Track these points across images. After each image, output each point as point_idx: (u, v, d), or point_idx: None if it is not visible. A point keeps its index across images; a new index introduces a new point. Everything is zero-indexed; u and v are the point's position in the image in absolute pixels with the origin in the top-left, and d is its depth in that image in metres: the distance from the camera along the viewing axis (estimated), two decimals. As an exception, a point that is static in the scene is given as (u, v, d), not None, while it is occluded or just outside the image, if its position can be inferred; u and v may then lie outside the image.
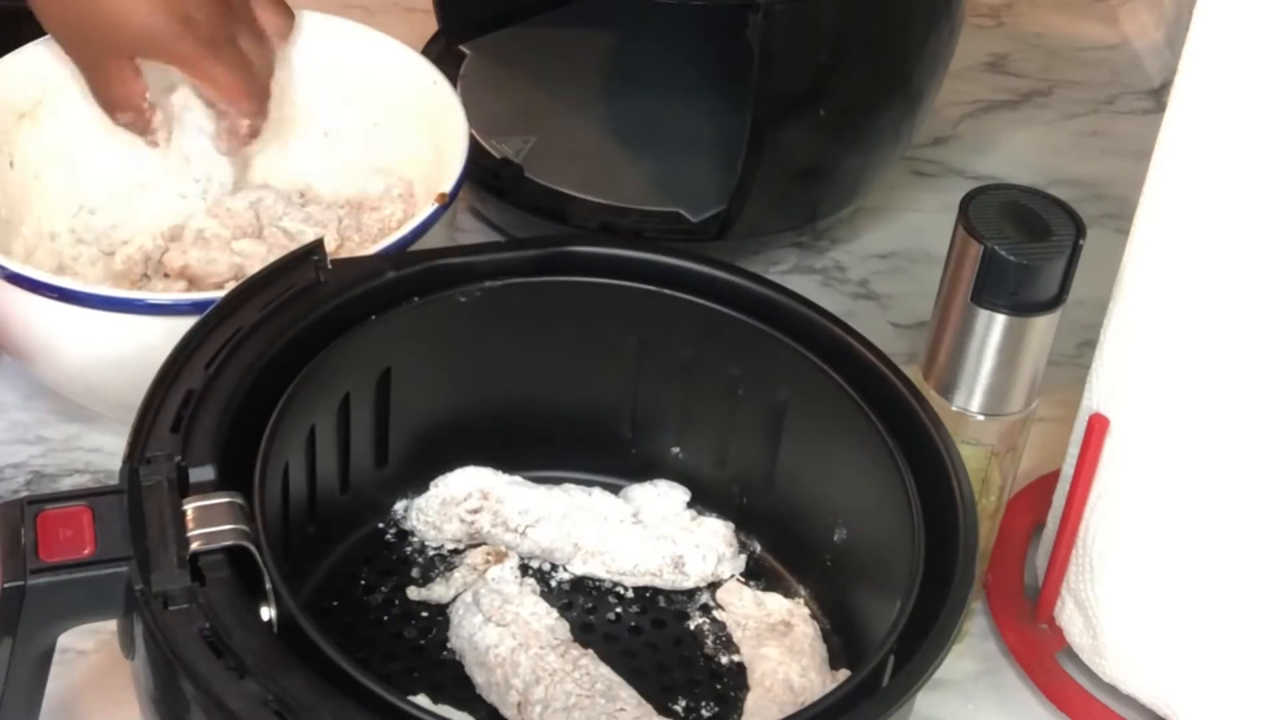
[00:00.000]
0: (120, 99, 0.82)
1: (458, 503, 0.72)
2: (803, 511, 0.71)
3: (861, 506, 0.68)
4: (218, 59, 0.80)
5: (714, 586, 0.72)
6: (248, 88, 0.81)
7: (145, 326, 0.71)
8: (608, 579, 0.72)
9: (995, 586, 0.77)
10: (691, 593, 0.72)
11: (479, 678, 0.67)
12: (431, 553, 0.72)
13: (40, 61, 0.84)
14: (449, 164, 0.81)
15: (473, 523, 0.72)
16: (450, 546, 0.73)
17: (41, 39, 0.84)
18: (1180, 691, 0.69)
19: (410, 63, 0.87)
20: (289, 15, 0.85)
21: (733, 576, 0.72)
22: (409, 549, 0.73)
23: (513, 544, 0.72)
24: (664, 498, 0.73)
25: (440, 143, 0.84)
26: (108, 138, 0.86)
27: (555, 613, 0.69)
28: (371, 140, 0.89)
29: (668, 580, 0.72)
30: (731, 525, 0.73)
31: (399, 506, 0.73)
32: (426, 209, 0.77)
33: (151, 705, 0.56)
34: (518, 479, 0.73)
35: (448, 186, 0.79)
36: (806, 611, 0.70)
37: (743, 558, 0.73)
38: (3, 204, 0.81)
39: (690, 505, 0.74)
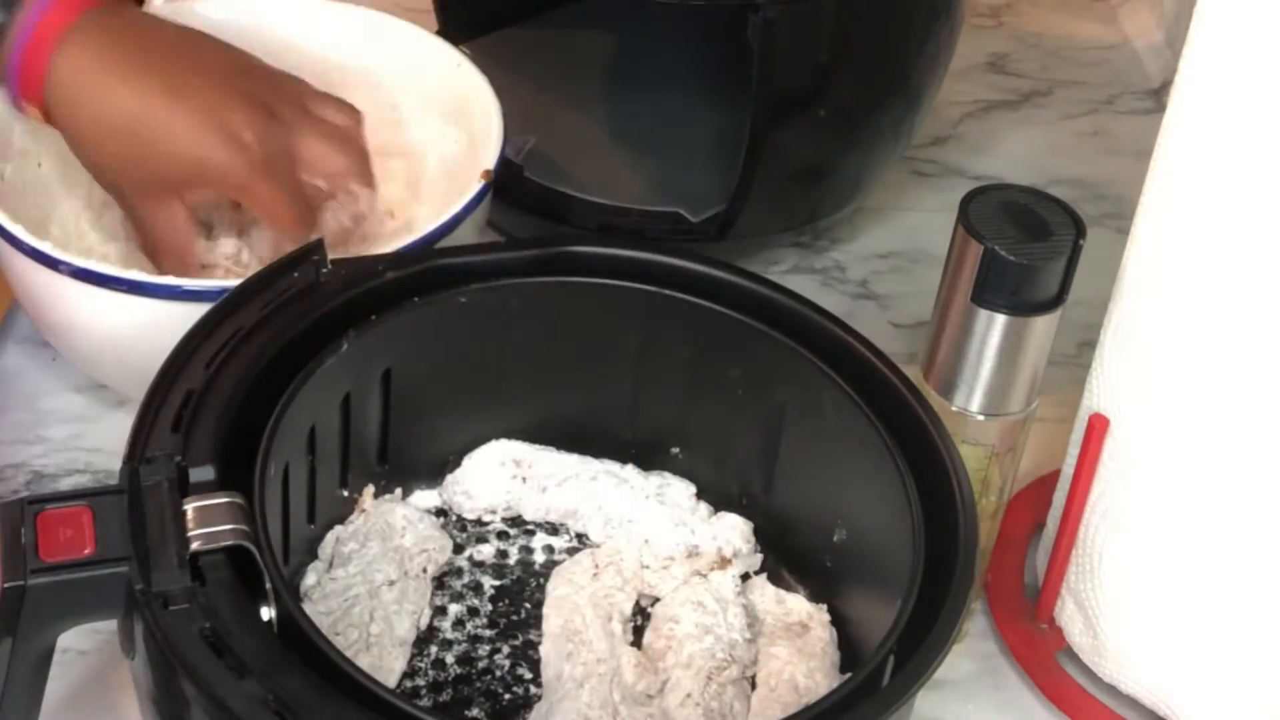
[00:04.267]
0: (168, 245, 0.77)
1: (493, 471, 0.73)
2: (802, 512, 0.71)
3: (861, 507, 0.68)
4: (271, 183, 0.75)
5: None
6: (298, 214, 0.76)
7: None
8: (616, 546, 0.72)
9: (995, 586, 0.77)
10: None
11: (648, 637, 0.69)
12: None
13: None
14: (482, 143, 0.82)
15: (508, 490, 0.73)
16: (486, 518, 0.73)
17: None
18: (1180, 692, 0.69)
19: (433, 48, 0.88)
20: (352, 112, 0.80)
21: (748, 573, 0.72)
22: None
23: (539, 504, 0.72)
24: (672, 488, 0.74)
25: (468, 125, 0.85)
26: None
27: (749, 634, 0.69)
28: (392, 126, 0.89)
29: (691, 580, 0.71)
30: (750, 523, 0.73)
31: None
32: (473, 187, 0.78)
33: (151, 705, 0.56)
34: (549, 448, 0.74)
35: (490, 163, 0.80)
36: (827, 618, 0.70)
37: (759, 556, 0.73)
38: (34, 204, 0.81)
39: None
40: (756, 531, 0.73)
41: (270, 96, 0.75)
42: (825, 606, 0.71)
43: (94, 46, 0.72)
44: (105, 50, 0.73)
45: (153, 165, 0.74)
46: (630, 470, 0.74)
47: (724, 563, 0.71)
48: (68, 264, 0.73)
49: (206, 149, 0.73)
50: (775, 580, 0.72)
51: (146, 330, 0.71)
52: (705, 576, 0.71)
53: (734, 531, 0.72)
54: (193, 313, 0.65)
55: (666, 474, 0.74)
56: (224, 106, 0.73)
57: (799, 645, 0.68)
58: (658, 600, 0.70)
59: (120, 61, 0.73)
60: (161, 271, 0.75)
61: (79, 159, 0.75)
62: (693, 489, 0.74)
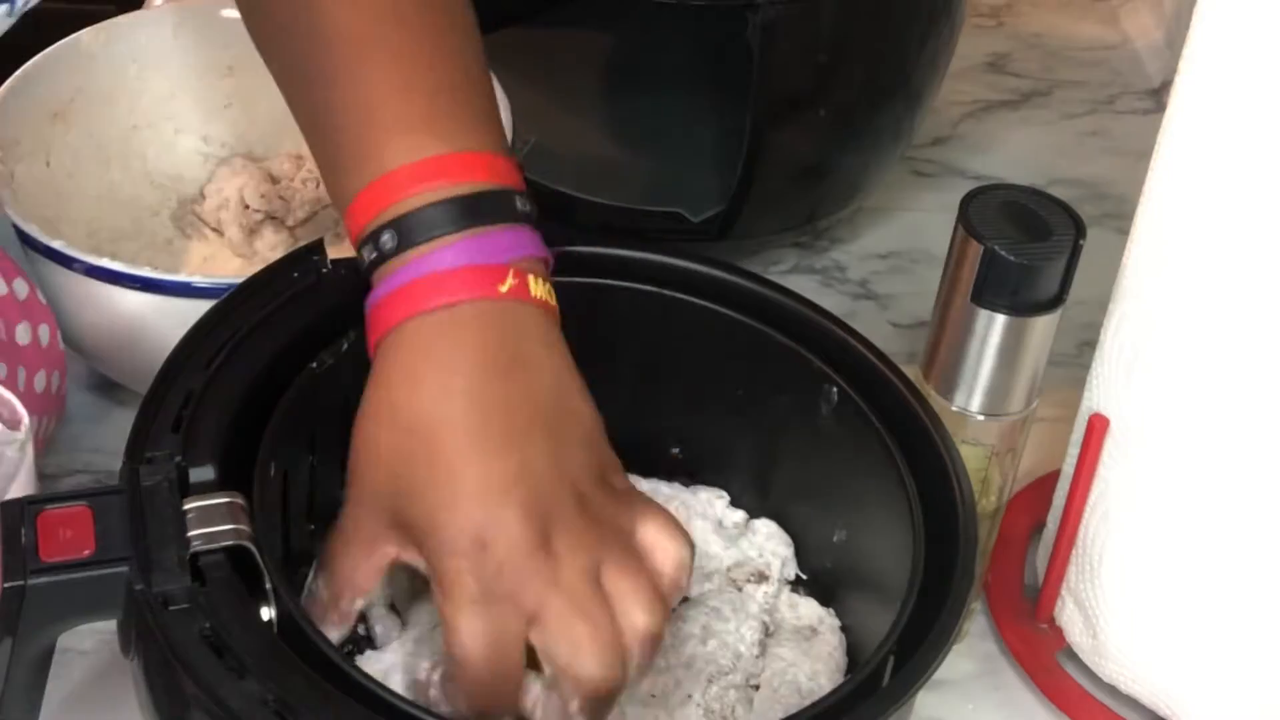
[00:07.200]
0: (340, 577, 0.59)
1: None
2: (803, 512, 0.71)
3: (861, 507, 0.68)
4: (473, 623, 0.55)
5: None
6: (490, 685, 0.55)
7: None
8: None
9: (995, 586, 0.77)
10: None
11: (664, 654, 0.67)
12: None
13: (71, 59, 0.84)
14: None
15: None
16: None
17: (71, 36, 0.84)
18: (1180, 691, 0.69)
19: None
20: (656, 615, 0.56)
21: (783, 581, 0.72)
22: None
23: None
24: (710, 502, 0.73)
25: None
26: (135, 134, 0.87)
27: (761, 646, 0.68)
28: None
29: (725, 589, 0.71)
30: (782, 530, 0.72)
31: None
32: None
33: (151, 705, 0.56)
34: None
35: None
36: (837, 623, 0.70)
37: (794, 561, 0.72)
38: (44, 204, 0.82)
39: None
40: (756, 531, 0.73)
41: (570, 523, 0.56)
42: (834, 611, 0.70)
43: (428, 347, 0.58)
44: (430, 355, 0.58)
45: (399, 488, 0.57)
46: (665, 485, 0.73)
47: (760, 578, 0.71)
48: (82, 262, 0.73)
49: (446, 526, 0.55)
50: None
51: (160, 326, 0.72)
52: (740, 589, 0.70)
53: (773, 540, 0.71)
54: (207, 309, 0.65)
55: (699, 487, 0.73)
56: (504, 503, 0.55)
57: (805, 648, 0.68)
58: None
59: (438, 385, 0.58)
60: (320, 589, 0.60)
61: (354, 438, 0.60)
62: (725, 498, 0.73)
